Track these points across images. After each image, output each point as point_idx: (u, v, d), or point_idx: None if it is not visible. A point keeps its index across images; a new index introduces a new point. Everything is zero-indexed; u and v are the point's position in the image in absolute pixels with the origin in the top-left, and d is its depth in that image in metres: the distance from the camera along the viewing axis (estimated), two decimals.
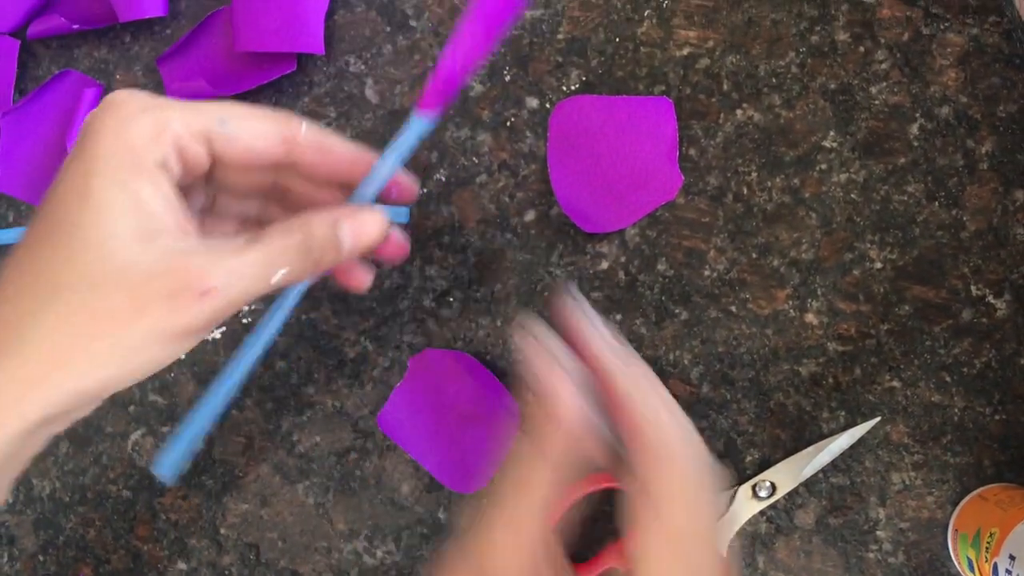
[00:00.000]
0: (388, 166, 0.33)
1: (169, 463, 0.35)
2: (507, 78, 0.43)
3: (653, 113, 0.41)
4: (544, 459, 0.31)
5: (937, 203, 0.39)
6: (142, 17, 0.44)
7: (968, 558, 0.36)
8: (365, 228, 0.31)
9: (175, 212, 0.29)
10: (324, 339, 0.44)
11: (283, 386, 0.44)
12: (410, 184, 0.36)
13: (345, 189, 0.34)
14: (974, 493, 0.37)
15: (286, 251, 0.30)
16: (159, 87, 0.46)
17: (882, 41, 0.40)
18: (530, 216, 0.43)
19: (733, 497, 0.40)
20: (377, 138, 0.44)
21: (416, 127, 0.33)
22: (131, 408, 0.45)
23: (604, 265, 0.42)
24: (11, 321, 0.28)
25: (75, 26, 0.45)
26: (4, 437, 0.28)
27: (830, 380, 0.40)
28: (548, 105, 0.43)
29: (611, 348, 0.32)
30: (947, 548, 0.38)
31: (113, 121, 0.28)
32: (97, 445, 0.46)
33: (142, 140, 0.28)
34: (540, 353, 0.32)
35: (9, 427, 0.28)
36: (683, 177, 0.41)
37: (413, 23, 0.44)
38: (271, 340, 0.34)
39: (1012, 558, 0.32)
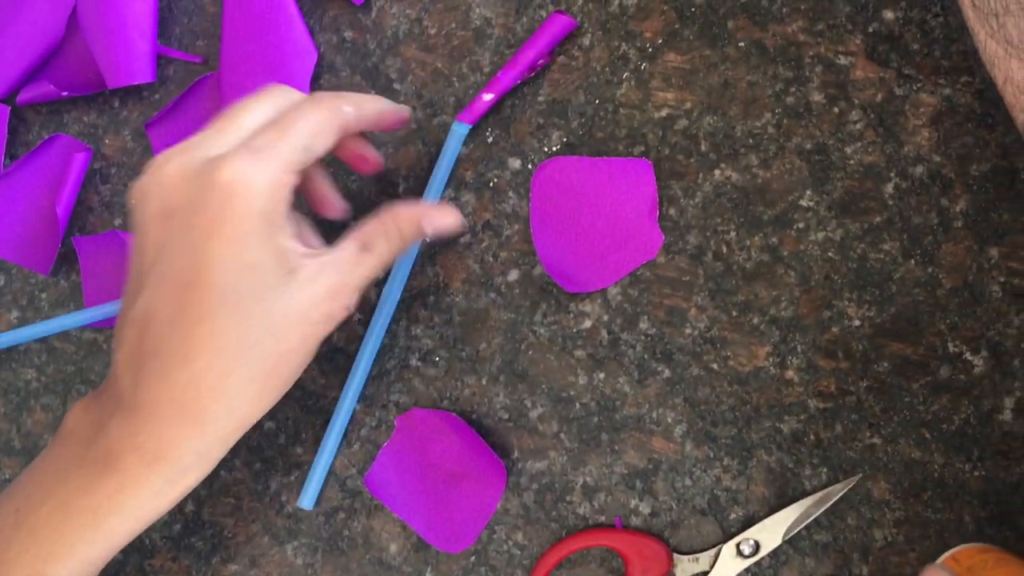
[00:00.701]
0: (443, 173, 0.42)
1: (310, 495, 0.43)
2: (489, 139, 0.44)
3: (633, 174, 0.42)
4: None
5: (913, 261, 0.40)
6: (130, 83, 0.45)
7: None
8: (443, 221, 0.38)
9: (296, 239, 0.35)
10: (311, 399, 0.44)
11: (271, 446, 0.45)
12: (405, 114, 0.41)
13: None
14: (947, 554, 0.38)
15: (390, 254, 0.37)
16: (147, 151, 0.46)
17: (856, 102, 0.41)
18: (513, 275, 0.43)
19: (717, 555, 0.40)
20: (363, 200, 0.45)
21: (459, 137, 0.42)
22: None
23: (587, 324, 0.42)
24: (214, 387, 0.33)
25: (64, 93, 0.46)
26: (201, 475, 0.35)
27: (811, 437, 0.40)
28: (530, 166, 0.43)
29: None
30: None
31: (244, 199, 0.32)
32: None
33: (271, 202, 0.33)
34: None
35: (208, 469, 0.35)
36: (663, 236, 0.42)
37: (397, 86, 0.45)
38: (374, 357, 0.43)
39: None
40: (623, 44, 0.43)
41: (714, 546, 0.41)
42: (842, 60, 0.41)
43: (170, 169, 0.33)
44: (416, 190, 0.44)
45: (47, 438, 0.47)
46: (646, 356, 0.42)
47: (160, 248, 0.33)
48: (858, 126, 0.40)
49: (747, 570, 0.40)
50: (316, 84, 0.45)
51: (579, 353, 0.42)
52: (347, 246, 0.36)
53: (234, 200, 0.32)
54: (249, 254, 0.32)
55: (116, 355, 0.35)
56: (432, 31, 0.44)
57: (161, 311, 0.33)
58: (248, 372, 0.33)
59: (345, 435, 0.44)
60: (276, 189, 0.33)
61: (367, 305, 0.44)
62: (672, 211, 0.42)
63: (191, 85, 0.46)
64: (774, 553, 0.40)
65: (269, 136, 0.34)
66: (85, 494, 0.34)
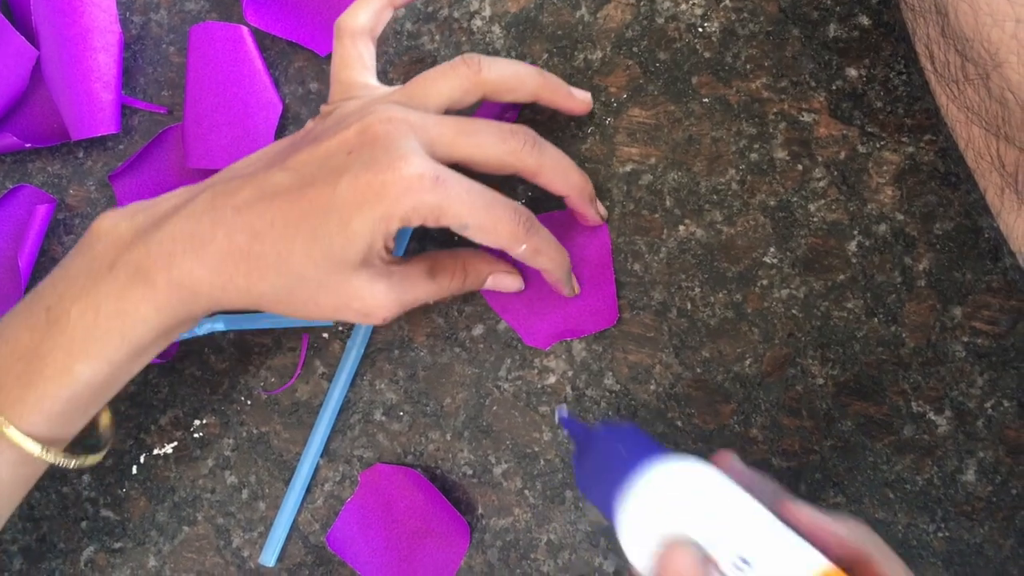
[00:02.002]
0: (408, 229, 0.43)
1: (272, 552, 0.43)
2: None
3: (592, 235, 0.42)
4: None
5: (876, 319, 0.40)
6: (95, 135, 0.45)
7: None
8: (505, 284, 0.41)
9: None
10: (275, 453, 0.44)
11: (234, 501, 0.44)
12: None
13: None
14: None
15: (448, 291, 0.39)
16: (112, 201, 0.46)
17: (819, 159, 0.40)
18: (478, 330, 0.43)
19: None
20: None
21: None
22: (83, 524, 0.45)
23: (552, 379, 0.42)
24: (252, 272, 0.35)
25: (28, 144, 0.45)
26: (202, 316, 0.37)
27: None
28: None
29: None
30: None
31: (406, 203, 0.34)
32: (50, 561, 0.45)
33: (413, 221, 0.34)
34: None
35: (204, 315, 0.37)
36: (619, 314, 0.41)
37: None
38: (332, 423, 0.44)
39: None
40: None
41: None
42: (806, 117, 0.41)
43: (393, 116, 0.35)
44: None
45: None
46: (611, 412, 0.42)
47: (326, 160, 0.35)
48: (822, 183, 0.40)
49: None
50: (281, 136, 0.45)
51: (544, 409, 0.42)
52: (416, 265, 0.38)
53: (399, 199, 0.33)
54: (365, 230, 0.34)
55: (210, 180, 0.37)
56: (397, 84, 0.44)
57: (279, 197, 0.34)
58: (284, 287, 0.35)
59: (309, 490, 0.44)
60: (423, 217, 0.34)
61: (331, 358, 0.44)
62: (637, 267, 0.42)
63: (156, 136, 0.45)
64: None
65: (461, 182, 0.35)
66: (116, 299, 0.35)
